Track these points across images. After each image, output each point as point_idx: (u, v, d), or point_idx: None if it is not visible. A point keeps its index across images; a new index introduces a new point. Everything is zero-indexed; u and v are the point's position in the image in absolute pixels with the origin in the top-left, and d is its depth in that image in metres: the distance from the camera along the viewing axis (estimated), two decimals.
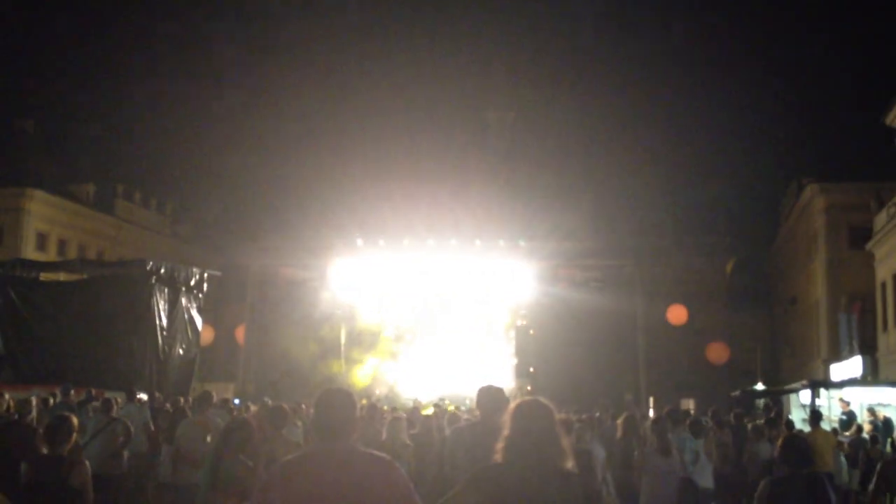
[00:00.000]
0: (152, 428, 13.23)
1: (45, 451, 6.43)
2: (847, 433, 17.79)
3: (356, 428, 4.08)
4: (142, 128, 64.79)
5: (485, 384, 6.47)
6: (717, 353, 35.76)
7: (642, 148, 51.91)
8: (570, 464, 4.05)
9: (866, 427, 17.81)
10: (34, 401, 13.18)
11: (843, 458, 14.88)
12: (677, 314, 35.38)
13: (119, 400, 13.59)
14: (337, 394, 4.14)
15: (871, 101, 54.36)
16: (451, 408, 20.05)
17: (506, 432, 4.05)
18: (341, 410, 4.03)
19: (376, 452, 4.05)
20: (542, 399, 4.21)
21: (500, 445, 4.04)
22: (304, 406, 15.85)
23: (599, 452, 9.80)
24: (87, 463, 6.53)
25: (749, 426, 14.89)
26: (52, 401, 15.03)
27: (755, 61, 77.38)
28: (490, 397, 6.26)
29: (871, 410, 19.44)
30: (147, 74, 78.18)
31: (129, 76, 77.91)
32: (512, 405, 4.21)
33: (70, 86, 70.87)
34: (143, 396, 16.61)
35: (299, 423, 12.45)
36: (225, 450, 6.54)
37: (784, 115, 72.46)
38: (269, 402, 14.19)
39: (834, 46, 73.10)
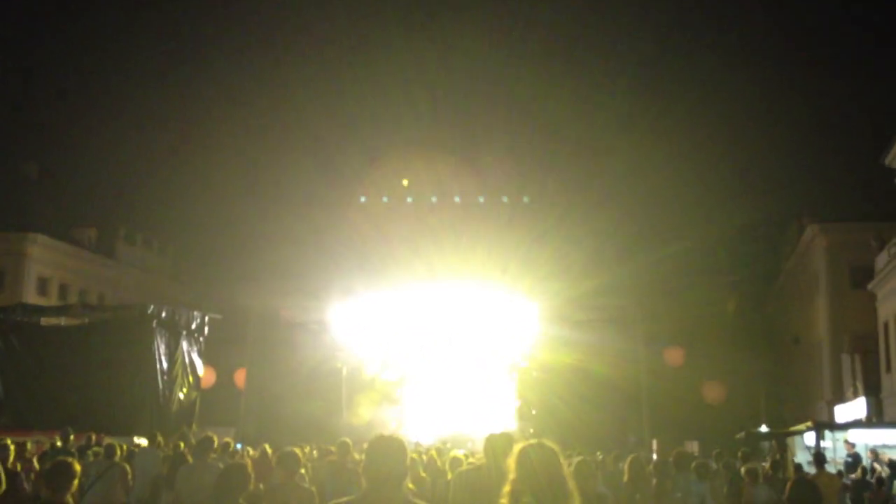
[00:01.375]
0: (164, 472, 13.13)
1: (45, 496, 6.37)
2: (853, 475, 17.62)
3: (406, 476, 4.07)
4: (144, 172, 65.13)
5: (493, 432, 6.47)
6: (713, 392, 35.47)
7: (643, 187, 52.06)
8: None
9: (877, 469, 17.64)
10: (28, 446, 13.11)
11: (848, 501, 14.73)
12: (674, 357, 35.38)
13: (125, 447, 13.55)
14: (389, 441, 4.16)
15: (871, 141, 54.72)
16: (453, 453, 19.66)
17: (511, 476, 4.03)
18: (393, 458, 4.04)
19: None
20: (547, 442, 4.19)
21: (506, 489, 4.02)
22: (306, 450, 15.70)
23: (606, 495, 9.70)
24: None
25: (742, 469, 14.58)
26: (59, 443, 14.96)
27: (756, 100, 78.10)
28: (496, 443, 6.26)
29: (874, 451, 19.30)
30: (148, 119, 78.93)
31: (131, 121, 78.61)
32: (517, 448, 4.19)
33: (73, 130, 71.44)
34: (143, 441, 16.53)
35: (302, 471, 12.29)
36: (223, 495, 6.48)
37: (785, 155, 72.97)
38: (268, 448, 14.04)
39: (835, 86, 73.81)
